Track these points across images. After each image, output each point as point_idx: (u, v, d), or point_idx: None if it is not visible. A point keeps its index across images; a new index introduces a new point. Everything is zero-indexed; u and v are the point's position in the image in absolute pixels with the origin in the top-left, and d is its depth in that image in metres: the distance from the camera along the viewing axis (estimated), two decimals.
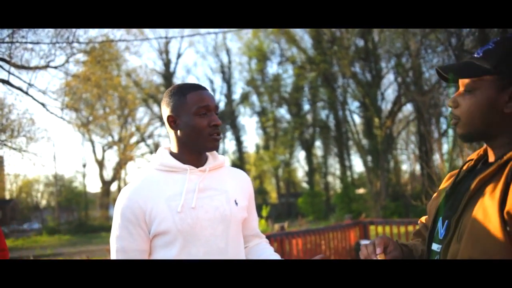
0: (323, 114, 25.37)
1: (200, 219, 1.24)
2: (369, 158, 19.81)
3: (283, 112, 27.42)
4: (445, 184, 1.16)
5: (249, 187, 1.44)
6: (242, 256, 1.36)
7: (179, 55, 30.62)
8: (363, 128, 21.20)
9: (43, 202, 38.74)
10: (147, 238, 1.24)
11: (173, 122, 1.28)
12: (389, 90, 20.92)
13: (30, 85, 10.63)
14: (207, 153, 1.37)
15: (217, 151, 1.36)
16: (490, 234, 0.85)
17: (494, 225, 0.85)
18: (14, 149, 11.83)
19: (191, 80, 45.55)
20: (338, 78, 21.28)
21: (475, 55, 0.98)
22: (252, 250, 1.47)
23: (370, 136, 19.75)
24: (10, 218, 36.99)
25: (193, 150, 1.31)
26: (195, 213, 1.24)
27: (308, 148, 26.36)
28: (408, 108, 20.08)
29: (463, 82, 0.99)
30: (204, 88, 1.32)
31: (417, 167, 20.08)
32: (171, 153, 1.33)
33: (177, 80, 28.54)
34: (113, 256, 1.24)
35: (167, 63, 27.86)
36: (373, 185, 18.70)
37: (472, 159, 1.09)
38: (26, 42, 9.73)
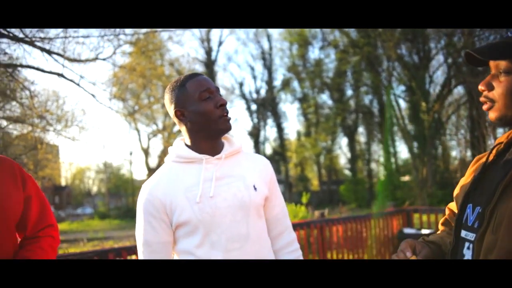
0: (367, 99, 24.77)
1: (219, 207, 1.25)
2: (415, 144, 19.18)
3: (324, 98, 27.11)
4: (472, 167, 1.14)
5: (268, 170, 1.40)
6: (264, 240, 1.35)
7: (220, 43, 30.93)
8: (409, 113, 20.49)
9: (94, 189, 40.99)
10: (169, 230, 1.27)
11: (181, 115, 1.29)
12: (438, 72, 19.92)
13: (81, 77, 11.32)
14: (223, 140, 1.37)
15: (231, 132, 1.35)
16: None
17: None
18: (68, 138, 12.66)
19: (232, 67, 45.97)
20: (383, 62, 20.61)
21: (508, 36, 0.96)
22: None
23: (416, 122, 19.07)
24: (66, 203, 39.65)
25: (207, 137, 1.30)
26: (214, 202, 1.25)
27: (351, 134, 25.92)
28: (459, 90, 19.07)
29: (497, 64, 0.97)
30: (200, 74, 1.33)
31: (468, 153, 19.16)
32: (186, 145, 1.34)
33: (219, 67, 28.90)
34: (139, 249, 1.27)
35: (208, 51, 28.30)
36: (419, 172, 18.13)
37: (501, 142, 1.06)
38: (77, 37, 10.32)
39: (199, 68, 28.55)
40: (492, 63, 0.99)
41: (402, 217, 5.27)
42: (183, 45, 37.85)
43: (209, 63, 28.14)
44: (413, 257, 1.09)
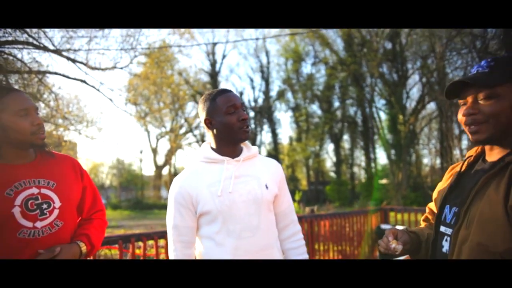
0: (352, 110, 24.95)
1: (236, 202, 1.32)
2: (392, 151, 19.38)
3: (315, 108, 27.21)
4: (448, 174, 1.21)
5: (278, 172, 1.46)
6: (272, 231, 1.40)
7: (224, 56, 30.99)
8: (388, 124, 20.71)
9: (107, 182, 40.64)
10: (194, 217, 1.34)
11: (210, 123, 1.37)
12: (414, 89, 20.17)
13: (101, 83, 11.47)
14: (242, 145, 1.43)
15: (248, 140, 1.41)
16: (496, 223, 0.91)
17: (499, 216, 0.90)
18: (88, 137, 12.70)
19: (234, 78, 46.05)
20: (366, 78, 20.82)
21: (481, 70, 1.00)
22: (288, 252, 1.48)
23: (394, 132, 19.28)
24: None
25: (229, 143, 1.38)
26: (232, 197, 1.32)
27: (337, 141, 26.06)
28: (431, 106, 19.31)
29: (476, 92, 0.99)
30: (229, 91, 1.39)
31: (437, 161, 19.38)
32: (212, 148, 1.41)
33: (222, 78, 28.94)
34: (169, 232, 1.34)
35: (213, 64, 28.37)
36: (395, 176, 18.31)
37: (471, 155, 1.14)
38: (99, 49, 10.41)
39: (204, 78, 28.62)
40: (469, 94, 1.01)
41: (380, 215, 5.41)
42: (191, 57, 37.96)
43: (213, 74, 28.21)
44: (395, 242, 1.14)
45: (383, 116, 21.82)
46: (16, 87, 11.26)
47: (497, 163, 1.00)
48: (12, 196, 1.19)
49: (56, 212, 1.26)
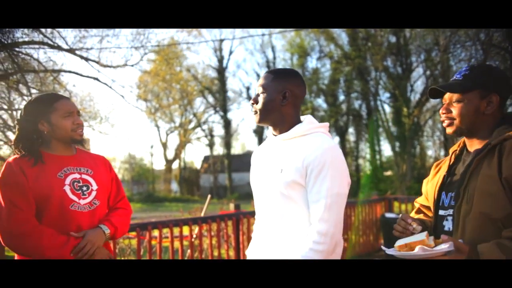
0: (357, 104, 24.83)
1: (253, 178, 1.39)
2: (397, 144, 19.30)
3: (320, 102, 27.09)
4: (434, 171, 1.37)
5: (309, 159, 1.23)
6: (285, 219, 1.27)
7: (231, 52, 31.00)
8: (392, 117, 20.59)
9: (120, 176, 41.02)
10: None
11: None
12: (418, 82, 19.98)
13: (113, 81, 11.63)
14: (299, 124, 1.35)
15: (255, 133, 1.45)
16: (494, 195, 1.06)
17: (496, 188, 1.06)
18: (101, 132, 12.89)
19: (241, 74, 45.90)
20: (371, 72, 20.67)
21: (457, 78, 1.22)
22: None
23: (398, 124, 19.18)
24: None
25: None
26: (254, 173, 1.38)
27: (342, 134, 25.97)
28: (435, 99, 19.14)
29: (451, 96, 1.21)
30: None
31: (442, 153, 19.24)
32: None
33: (229, 74, 28.94)
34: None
35: (220, 59, 28.34)
36: (399, 168, 18.27)
37: (456, 150, 1.31)
38: (111, 47, 10.52)
39: (212, 74, 28.66)
40: (447, 96, 1.23)
41: (385, 204, 5.47)
42: (198, 54, 37.99)
43: (221, 70, 28.21)
44: (415, 223, 1.21)
45: (387, 109, 21.71)
46: (33, 85, 11.47)
47: (484, 148, 1.16)
48: (63, 177, 1.49)
49: (93, 193, 1.55)
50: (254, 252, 1.39)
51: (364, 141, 26.42)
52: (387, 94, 21.09)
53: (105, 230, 1.53)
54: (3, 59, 10.56)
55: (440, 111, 1.25)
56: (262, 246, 1.33)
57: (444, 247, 1.00)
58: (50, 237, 1.40)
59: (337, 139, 26.43)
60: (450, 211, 1.18)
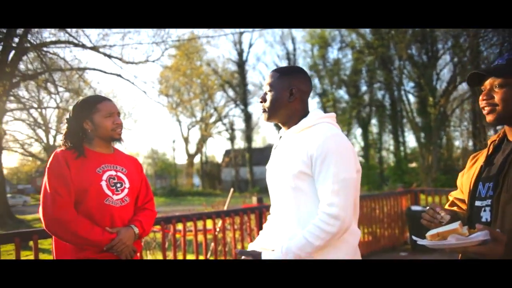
0: (379, 94, 24.25)
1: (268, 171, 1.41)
2: (422, 134, 18.75)
3: (342, 93, 26.67)
4: (470, 163, 1.33)
5: (312, 149, 1.23)
6: (291, 210, 1.28)
7: (250, 45, 31.01)
8: (417, 107, 19.98)
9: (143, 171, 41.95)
10: None
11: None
12: (445, 70, 19.23)
13: (135, 77, 11.85)
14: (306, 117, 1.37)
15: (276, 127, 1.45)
16: None
17: None
18: (124, 128, 13.22)
19: (260, 67, 45.79)
20: (394, 61, 20.10)
21: (500, 62, 1.16)
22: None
23: (424, 114, 18.60)
24: None
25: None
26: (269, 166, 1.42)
27: (364, 125, 25.48)
28: (463, 87, 18.38)
29: (492, 81, 1.15)
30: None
31: (470, 143, 18.55)
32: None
33: (249, 67, 28.89)
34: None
35: (240, 53, 28.35)
36: (425, 159, 17.75)
37: (495, 140, 1.26)
38: (132, 43, 10.72)
39: (232, 67, 28.72)
40: (487, 81, 1.17)
41: (410, 197, 5.32)
42: (218, 48, 38.14)
43: (241, 63, 28.22)
44: (443, 212, 1.18)
45: (412, 99, 21.08)
46: (60, 84, 11.84)
47: None
48: (101, 173, 1.62)
49: (126, 190, 1.67)
50: (259, 244, 1.40)
51: (387, 133, 25.86)
52: (412, 84, 20.47)
53: (135, 230, 1.64)
54: (33, 59, 11.08)
55: (480, 97, 1.19)
56: (272, 238, 1.35)
57: (479, 236, 0.94)
58: (86, 227, 1.50)
59: (359, 130, 26.01)
60: (488, 202, 1.15)
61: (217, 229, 3.79)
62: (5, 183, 12.86)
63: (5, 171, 14.72)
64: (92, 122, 1.64)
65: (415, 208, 4.99)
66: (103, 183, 1.59)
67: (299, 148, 1.26)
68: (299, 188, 1.25)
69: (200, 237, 3.28)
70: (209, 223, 3.52)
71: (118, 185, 1.64)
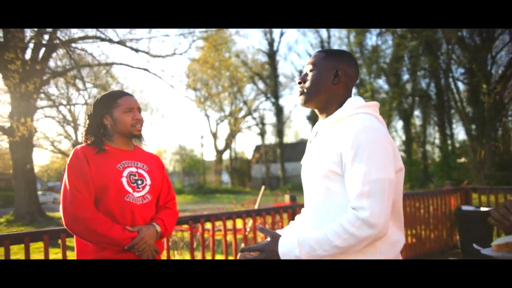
0: (423, 83, 23.27)
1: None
2: (473, 126, 17.79)
3: (381, 83, 25.92)
4: None
5: (341, 144, 1.13)
6: (324, 210, 1.20)
7: (281, 34, 30.66)
8: (467, 96, 18.96)
9: (170, 168, 43.06)
10: None
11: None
12: (502, 53, 18.00)
13: (162, 71, 12.16)
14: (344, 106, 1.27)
15: (309, 120, 1.38)
16: None
17: None
18: (152, 124, 13.64)
19: (292, 57, 45.37)
20: (441, 45, 19.18)
21: None
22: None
23: (475, 104, 17.61)
24: None
25: None
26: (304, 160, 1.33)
27: (406, 117, 24.60)
28: None
29: None
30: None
31: None
32: None
33: (280, 57, 28.71)
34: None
35: (271, 42, 28.22)
36: (476, 154, 16.84)
37: None
38: (159, 36, 10.99)
39: (262, 58, 28.67)
40: None
41: (460, 196, 5.06)
42: (248, 38, 38.24)
43: (271, 53, 28.10)
44: None
45: (461, 86, 20.04)
46: (88, 80, 12.37)
47: None
48: (121, 169, 1.64)
49: (147, 188, 1.69)
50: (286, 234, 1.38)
51: (432, 125, 24.82)
52: (462, 70, 19.44)
53: (157, 229, 1.66)
54: (62, 56, 11.69)
55: None
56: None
57: None
58: (105, 224, 1.52)
59: (400, 123, 25.16)
60: None
61: (248, 229, 3.80)
62: (36, 180, 13.65)
63: (36, 169, 15.62)
64: (112, 117, 1.67)
65: (466, 208, 4.74)
66: (124, 180, 1.62)
67: (330, 144, 1.18)
68: (330, 188, 1.17)
69: (230, 237, 3.29)
70: (239, 223, 3.53)
71: (139, 182, 1.67)
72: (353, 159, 1.10)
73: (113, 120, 1.67)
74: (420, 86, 23.36)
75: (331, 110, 1.27)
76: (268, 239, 1.20)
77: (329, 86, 1.26)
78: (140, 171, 1.69)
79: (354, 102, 1.24)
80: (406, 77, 23.82)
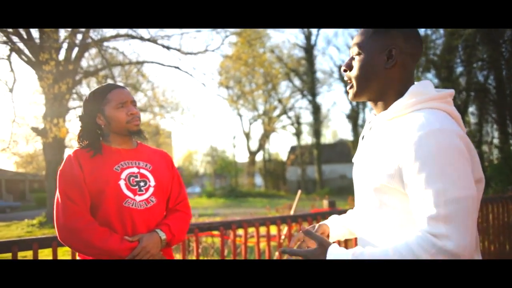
0: (480, 76, 22.14)
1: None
2: None
3: (430, 76, 24.94)
4: None
5: (401, 153, 0.96)
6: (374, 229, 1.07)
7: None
8: None
9: (201, 170, 43.87)
10: None
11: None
12: None
13: (194, 68, 12.42)
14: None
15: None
16: None
17: None
18: (183, 124, 13.96)
19: (331, 51, 44.69)
20: (504, 32, 18.15)
21: None
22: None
23: None
24: None
25: None
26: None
27: (460, 115, 23.59)
28: None
29: None
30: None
31: None
32: None
33: (318, 52, 28.43)
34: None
35: (308, 36, 28.01)
36: None
37: None
38: (191, 31, 11.27)
39: (299, 53, 28.50)
40: None
41: None
42: (283, 32, 38.15)
43: (309, 48, 27.87)
44: None
45: None
46: (119, 79, 12.88)
47: None
48: (119, 171, 1.56)
49: (151, 189, 1.60)
50: (336, 231, 1.33)
51: (490, 123, 23.55)
52: None
53: (161, 236, 1.56)
54: (94, 56, 12.28)
55: None
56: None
57: None
58: (101, 235, 1.45)
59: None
60: None
61: (282, 236, 3.77)
62: None
63: None
64: (104, 115, 1.58)
65: None
66: (122, 182, 1.54)
67: (384, 150, 1.00)
68: (384, 203, 1.03)
69: (263, 244, 3.28)
70: (273, 229, 3.51)
71: (142, 184, 1.58)
72: (419, 174, 0.91)
73: (106, 118, 1.59)
74: (476, 79, 22.25)
75: (388, 100, 1.08)
76: (315, 245, 1.08)
77: (381, 72, 1.07)
78: (143, 171, 1.61)
79: (418, 91, 1.03)
80: (459, 69, 22.77)
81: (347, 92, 1.16)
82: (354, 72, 1.11)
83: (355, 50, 1.11)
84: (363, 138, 1.19)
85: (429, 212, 0.90)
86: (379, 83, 1.08)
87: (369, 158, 1.06)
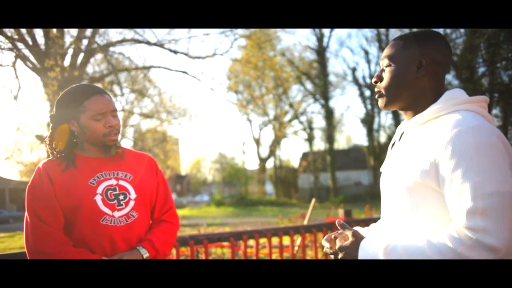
0: (505, 76, 21.87)
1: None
2: None
3: (449, 78, 24.71)
4: None
5: (437, 150, 1.00)
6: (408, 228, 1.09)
7: (332, 28, 30.28)
8: None
9: (210, 178, 43.91)
10: None
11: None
12: None
13: (202, 73, 12.56)
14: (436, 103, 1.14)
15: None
16: None
17: None
18: (190, 130, 14.08)
19: (345, 53, 44.62)
20: None
21: None
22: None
23: None
24: (186, 190, 43.63)
25: None
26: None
27: None
28: None
29: None
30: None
31: None
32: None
33: (331, 54, 28.45)
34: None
35: (320, 38, 28.06)
36: None
37: None
38: (199, 35, 11.40)
39: (310, 56, 28.53)
40: None
41: None
42: (294, 34, 38.31)
43: (321, 50, 27.89)
44: None
45: None
46: (125, 85, 13.08)
47: None
48: (95, 185, 1.46)
49: (131, 203, 1.51)
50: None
51: None
52: None
53: (143, 253, 1.48)
54: (100, 61, 12.50)
55: None
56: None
57: None
58: (76, 257, 1.37)
59: None
60: None
61: (296, 247, 3.78)
62: None
63: None
64: (78, 123, 1.47)
65: None
66: (98, 198, 1.44)
67: (418, 149, 1.05)
68: (417, 206, 1.05)
69: (275, 256, 3.29)
70: (286, 239, 3.52)
71: (121, 197, 1.48)
72: (456, 169, 0.95)
73: (81, 128, 1.47)
74: (500, 80, 21.97)
75: (419, 108, 1.15)
76: (350, 239, 1.12)
77: (412, 81, 1.14)
78: (122, 183, 1.51)
79: (452, 96, 1.10)
80: (482, 69, 22.55)
81: (376, 100, 1.22)
82: (384, 83, 1.19)
83: (385, 62, 1.19)
84: (392, 146, 1.26)
85: (465, 206, 0.93)
86: (410, 92, 1.15)
87: (401, 162, 1.11)
